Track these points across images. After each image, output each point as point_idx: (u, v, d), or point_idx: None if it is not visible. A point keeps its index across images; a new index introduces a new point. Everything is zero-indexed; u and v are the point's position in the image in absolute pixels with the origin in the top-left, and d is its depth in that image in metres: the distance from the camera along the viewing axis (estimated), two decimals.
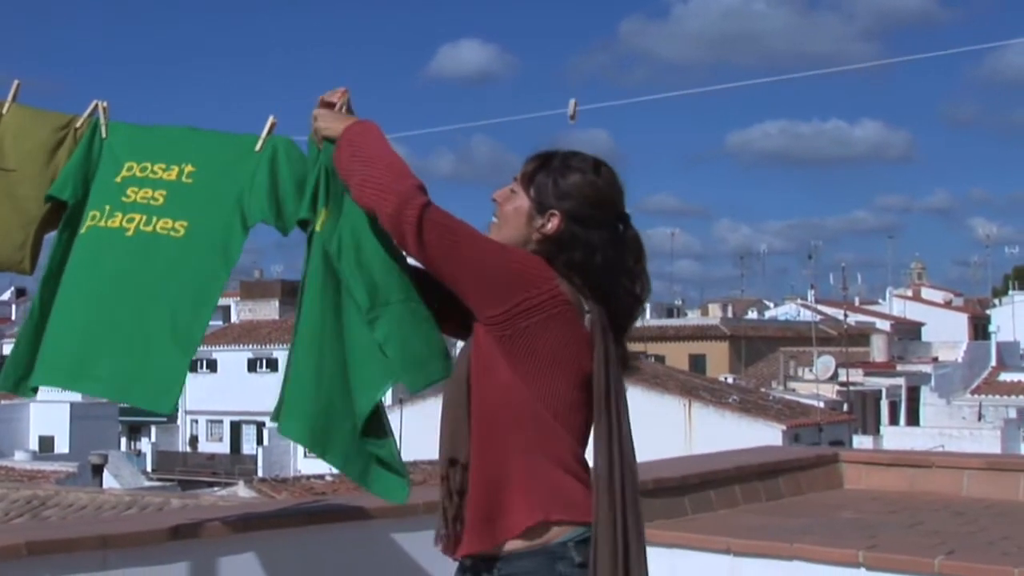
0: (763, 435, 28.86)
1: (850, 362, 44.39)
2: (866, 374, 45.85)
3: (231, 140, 3.30)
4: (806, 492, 6.11)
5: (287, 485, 23.67)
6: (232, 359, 55.61)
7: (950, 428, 35.36)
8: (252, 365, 54.69)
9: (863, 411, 44.28)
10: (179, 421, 58.32)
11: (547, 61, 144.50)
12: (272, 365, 53.41)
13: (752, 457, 6.39)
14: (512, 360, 2.60)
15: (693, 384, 36.77)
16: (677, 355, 51.57)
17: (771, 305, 74.96)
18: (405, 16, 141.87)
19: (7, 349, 65.24)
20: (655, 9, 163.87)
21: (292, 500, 7.11)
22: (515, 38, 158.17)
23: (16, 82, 3.50)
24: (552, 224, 2.68)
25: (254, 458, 50.10)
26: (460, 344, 2.82)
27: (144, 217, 3.21)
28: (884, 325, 60.11)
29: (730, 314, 62.93)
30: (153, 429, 58.24)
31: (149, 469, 49.90)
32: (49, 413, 49.61)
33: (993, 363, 48.11)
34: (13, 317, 70.40)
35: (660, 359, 46.05)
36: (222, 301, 62.62)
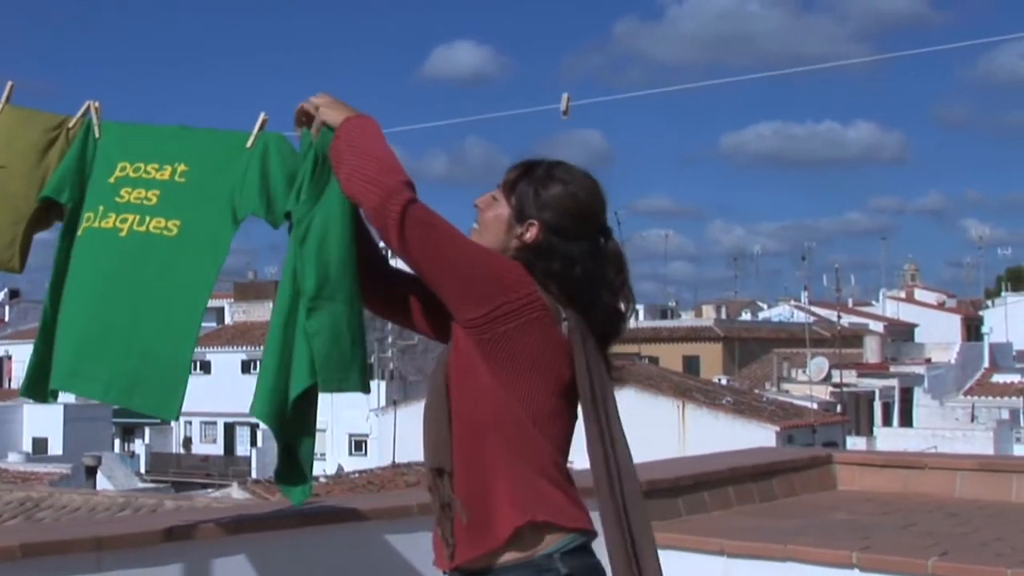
0: (757, 436, 28.92)
1: (843, 363, 44.46)
2: (859, 375, 45.92)
3: (223, 137, 3.30)
4: (800, 493, 6.11)
5: None
6: (226, 360, 55.54)
7: (943, 429, 35.43)
8: (246, 367, 54.57)
9: (856, 412, 44.35)
10: (172, 422, 58.24)
11: (541, 62, 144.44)
12: None
13: (746, 458, 6.40)
14: (491, 364, 2.59)
15: (687, 385, 36.82)
16: (671, 356, 51.62)
17: (765, 306, 75.05)
18: (399, 17, 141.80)
19: (0, 351, 64.98)
20: (649, 11, 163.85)
21: (285, 502, 7.08)
22: (509, 39, 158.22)
23: (9, 83, 3.50)
24: (530, 234, 2.68)
25: (248, 460, 50.08)
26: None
27: (137, 217, 3.21)
28: (877, 326, 60.22)
29: (724, 315, 62.96)
30: (147, 431, 58.15)
31: (143, 471, 49.86)
32: (42, 415, 49.51)
33: (986, 364, 48.25)
34: (6, 319, 70.32)
35: (654, 360, 46.07)
36: (216, 302, 62.62)
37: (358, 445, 46.79)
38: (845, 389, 43.70)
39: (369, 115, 2.84)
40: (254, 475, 38.80)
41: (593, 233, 2.72)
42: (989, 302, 65.40)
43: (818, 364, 45.21)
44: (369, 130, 2.77)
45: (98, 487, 26.84)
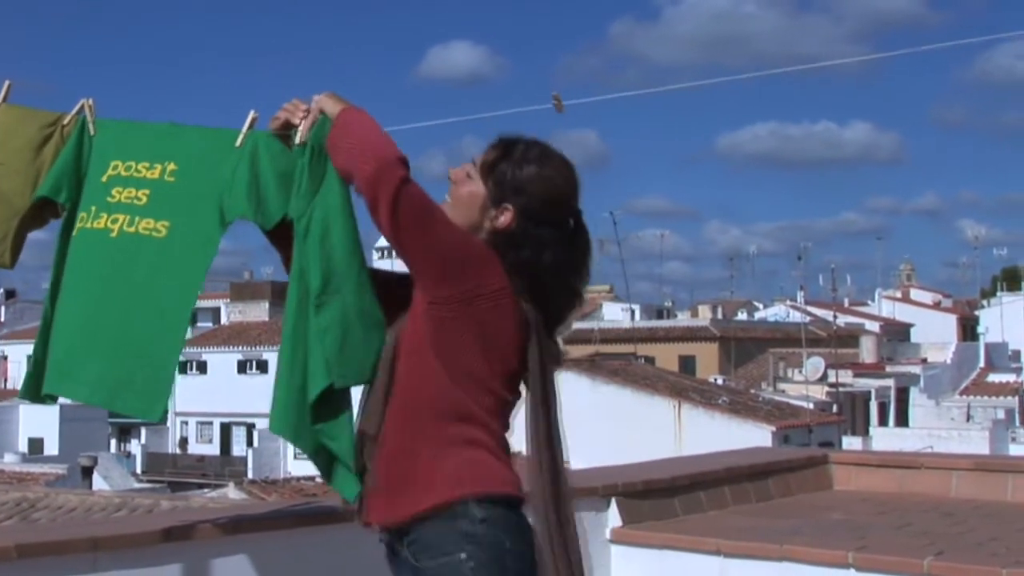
0: (753, 436, 28.90)
1: (839, 363, 44.47)
2: (855, 375, 45.94)
3: (213, 136, 3.29)
4: (796, 493, 6.11)
5: (277, 487, 23.68)
6: (222, 360, 55.53)
7: (939, 429, 35.46)
8: (242, 367, 54.63)
9: (852, 412, 44.36)
10: (169, 423, 58.11)
11: (538, 63, 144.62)
12: (262, 367, 53.33)
13: (742, 458, 6.40)
14: (443, 343, 2.65)
15: (683, 385, 36.80)
16: (667, 356, 51.61)
17: (761, 306, 75.05)
18: (395, 17, 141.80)
19: None
20: (646, 11, 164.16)
21: (282, 502, 7.10)
22: (506, 40, 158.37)
23: (7, 83, 3.50)
24: (504, 218, 2.72)
25: (244, 460, 50.01)
26: None
27: (128, 217, 3.20)
28: (873, 326, 60.22)
29: (720, 315, 62.97)
30: (143, 431, 58.10)
31: (139, 471, 49.85)
32: (39, 415, 49.47)
33: (981, 364, 48.31)
34: (2, 319, 70.22)
35: (650, 360, 46.05)
36: (212, 303, 62.70)
37: None
38: (841, 389, 43.71)
39: (360, 109, 2.86)
40: (250, 475, 38.77)
41: (565, 218, 2.77)
42: (985, 302, 65.38)
43: (814, 364, 45.22)
44: (365, 117, 2.79)
45: (94, 487, 26.81)
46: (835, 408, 42.08)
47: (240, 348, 55.03)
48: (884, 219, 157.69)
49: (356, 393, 2.92)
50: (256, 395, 51.01)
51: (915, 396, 43.73)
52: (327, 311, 2.84)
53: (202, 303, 61.98)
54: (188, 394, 56.00)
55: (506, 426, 2.74)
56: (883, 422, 42.91)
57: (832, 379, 43.75)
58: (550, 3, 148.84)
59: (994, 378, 46.84)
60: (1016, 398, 43.04)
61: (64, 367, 3.20)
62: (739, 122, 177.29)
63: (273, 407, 2.95)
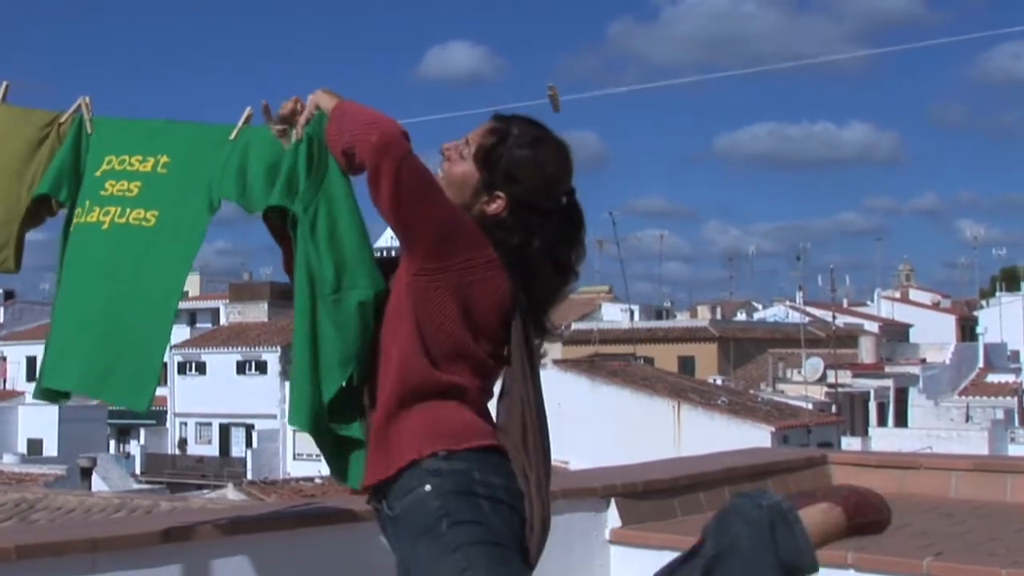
0: (752, 437, 28.92)
1: (838, 363, 44.49)
2: (854, 375, 45.94)
3: (207, 130, 3.31)
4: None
5: (276, 487, 23.66)
6: (221, 361, 55.51)
7: (938, 429, 35.46)
8: (241, 367, 54.60)
9: (851, 412, 44.37)
10: (168, 423, 58.19)
11: (537, 63, 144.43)
12: (261, 367, 53.34)
13: (741, 459, 6.40)
14: (424, 309, 2.67)
15: (682, 386, 36.82)
16: (666, 357, 51.60)
17: (760, 307, 75.01)
18: (394, 17, 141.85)
19: None
20: (644, 12, 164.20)
21: (281, 503, 7.12)
22: (504, 40, 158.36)
23: (5, 83, 3.50)
24: (495, 206, 2.74)
25: (243, 460, 50.01)
26: None
27: (119, 209, 3.22)
28: (872, 327, 60.23)
29: (719, 316, 62.98)
30: (142, 432, 58.12)
31: (138, 472, 49.85)
32: (38, 416, 49.52)
33: (980, 364, 48.34)
34: (1, 320, 70.21)
35: (649, 361, 46.05)
36: (211, 303, 62.70)
37: None
38: (840, 389, 43.73)
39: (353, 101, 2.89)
40: (249, 476, 38.76)
41: (557, 202, 2.79)
42: (984, 302, 65.41)
43: (813, 364, 45.22)
44: (362, 105, 2.83)
45: (93, 488, 26.80)
46: (834, 408, 42.10)
47: (239, 349, 55.00)
48: (883, 219, 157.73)
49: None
50: (255, 396, 51.13)
51: (914, 396, 43.73)
52: (346, 305, 2.85)
53: (201, 304, 62.12)
54: (187, 395, 56.03)
55: (485, 390, 2.78)
56: (882, 422, 42.94)
57: (831, 379, 43.76)
58: (549, 3, 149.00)
59: (993, 378, 46.87)
60: (1015, 398, 43.06)
61: (57, 360, 3.22)
62: (738, 122, 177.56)
63: (291, 402, 2.97)
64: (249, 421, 52.41)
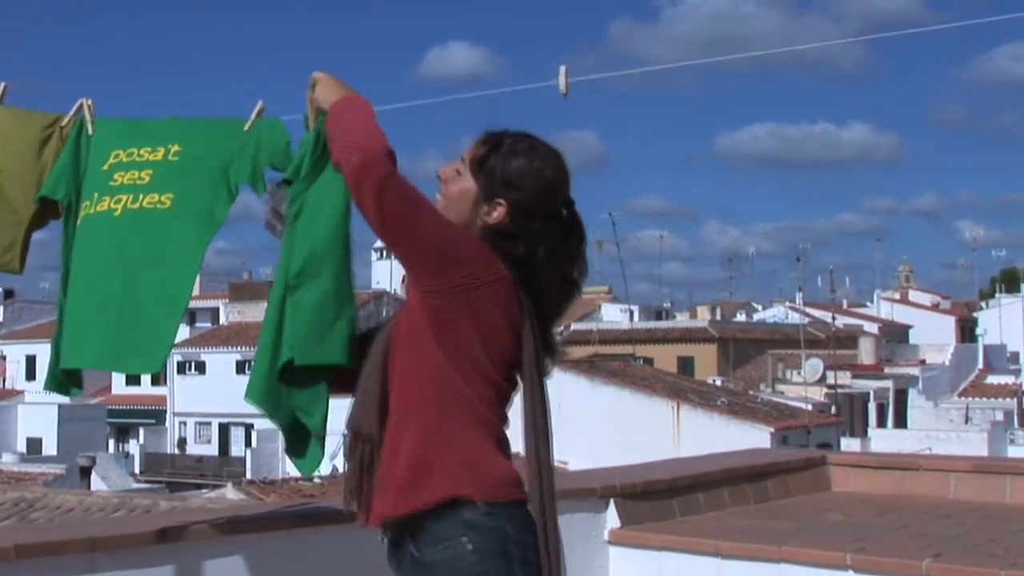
0: (751, 437, 28.92)
1: (838, 364, 44.48)
2: (854, 376, 45.94)
3: (219, 123, 3.36)
4: (794, 495, 6.11)
5: (275, 487, 23.66)
6: (221, 361, 55.50)
7: (937, 430, 35.47)
8: (241, 367, 54.51)
9: (851, 413, 44.36)
10: (167, 423, 58.20)
11: (536, 63, 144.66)
12: None
13: (740, 460, 6.40)
14: (440, 332, 2.63)
15: (681, 386, 36.81)
16: (665, 357, 51.59)
17: (759, 308, 75.01)
18: (394, 18, 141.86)
19: None
20: (645, 12, 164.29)
21: (280, 502, 7.12)
22: (504, 40, 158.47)
23: (3, 84, 3.50)
24: (497, 214, 2.70)
25: (242, 460, 49.99)
26: None
27: (131, 196, 3.24)
28: (872, 328, 60.23)
29: (718, 316, 62.96)
30: (141, 431, 58.13)
31: (137, 471, 49.84)
32: (37, 415, 49.50)
33: (980, 366, 48.37)
34: (0, 319, 70.19)
35: (648, 361, 46.04)
36: (211, 303, 62.64)
37: None
38: (839, 390, 43.72)
39: (363, 97, 2.86)
40: (248, 475, 38.73)
41: (558, 209, 2.76)
42: (983, 303, 65.46)
43: (813, 365, 45.22)
44: (357, 106, 2.80)
45: (92, 488, 26.76)
46: (833, 409, 42.09)
47: (239, 348, 54.97)
48: (883, 220, 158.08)
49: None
50: None
51: (914, 397, 43.73)
52: (302, 292, 2.93)
53: (201, 303, 62.03)
54: (186, 394, 56.03)
55: (504, 417, 2.74)
56: (882, 423, 42.93)
57: (831, 380, 43.75)
58: (549, 3, 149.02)
59: (992, 380, 46.88)
60: (1014, 400, 43.05)
61: (75, 341, 3.25)
62: (738, 123, 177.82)
63: (250, 377, 3.03)
64: (248, 421, 52.32)
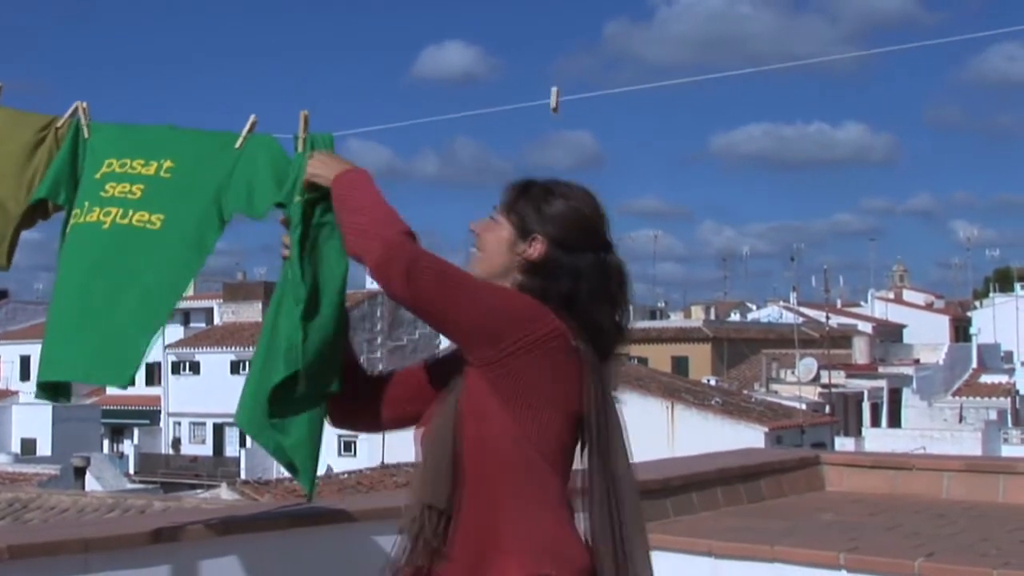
0: (745, 437, 28.94)
1: (832, 364, 44.53)
2: (848, 376, 46.00)
3: (212, 137, 3.33)
4: (787, 494, 6.13)
5: (270, 487, 23.66)
6: (215, 361, 55.45)
7: (931, 430, 35.52)
8: (235, 367, 54.48)
9: (845, 413, 44.42)
10: (162, 423, 58.14)
11: (532, 63, 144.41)
12: None
13: (734, 459, 6.41)
14: (505, 402, 2.53)
15: (675, 386, 36.81)
16: (659, 357, 51.61)
17: (754, 307, 75.12)
18: (389, 17, 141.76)
19: None
20: (640, 12, 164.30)
21: (275, 503, 7.11)
22: (499, 40, 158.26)
23: None
24: (535, 249, 2.63)
25: (237, 460, 49.98)
26: None
27: (120, 211, 3.23)
28: (866, 327, 60.31)
29: (713, 316, 63.01)
30: (135, 431, 58.06)
31: (131, 471, 49.76)
32: (31, 415, 49.45)
33: (974, 365, 48.44)
34: None
35: (642, 361, 46.07)
36: (205, 303, 62.56)
37: (347, 446, 46.75)
38: (834, 390, 43.77)
39: (360, 168, 2.79)
40: (243, 476, 38.72)
41: (596, 246, 2.67)
42: (977, 303, 65.63)
43: (807, 365, 45.29)
44: (360, 185, 2.73)
45: (87, 488, 26.76)
46: (828, 409, 42.13)
47: (233, 348, 54.93)
48: (877, 220, 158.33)
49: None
50: None
51: (908, 397, 43.79)
52: (312, 319, 2.88)
53: (195, 303, 61.97)
54: (181, 394, 55.96)
55: (567, 478, 2.63)
56: (876, 423, 43.00)
57: (825, 380, 43.80)
58: (544, 3, 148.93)
59: (986, 379, 46.96)
60: (1008, 399, 43.12)
61: (53, 354, 3.22)
62: (733, 123, 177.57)
63: (240, 403, 3.00)
64: None
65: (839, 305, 69.23)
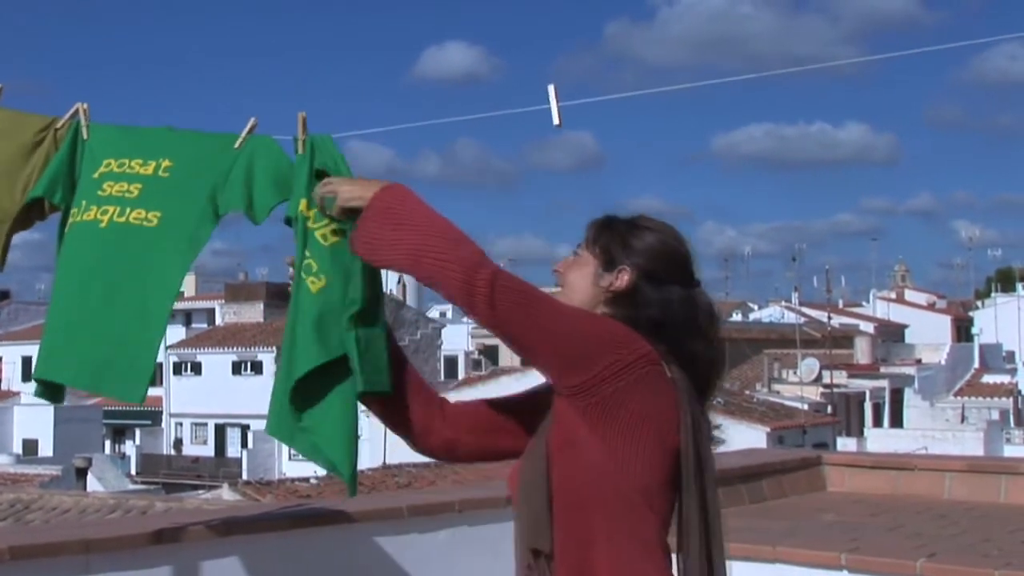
0: (747, 437, 28.87)
1: (834, 364, 44.50)
2: (850, 376, 45.96)
3: (211, 138, 3.33)
4: (789, 495, 6.12)
5: (272, 488, 23.66)
6: (217, 362, 55.46)
7: (933, 430, 35.50)
8: (237, 368, 54.54)
9: (847, 413, 44.37)
10: (163, 424, 58.15)
11: (533, 63, 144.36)
12: (257, 368, 53.27)
13: (735, 460, 6.41)
14: (598, 432, 2.42)
15: None
16: None
17: (755, 307, 75.05)
18: (390, 18, 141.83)
19: None
20: (641, 12, 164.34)
21: (276, 503, 7.13)
22: (501, 40, 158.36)
23: None
24: (622, 280, 2.56)
25: (239, 461, 50.01)
26: None
27: (118, 209, 3.23)
28: (868, 327, 60.29)
29: None
30: (137, 432, 58.06)
31: (133, 472, 49.80)
32: (33, 416, 49.45)
33: (976, 365, 48.43)
34: None
35: None
36: (207, 304, 62.64)
37: None
38: (835, 390, 43.74)
39: (398, 183, 2.59)
40: (245, 476, 38.73)
41: (684, 280, 2.60)
42: (979, 303, 65.58)
43: (809, 365, 45.23)
44: (411, 201, 2.53)
45: (88, 489, 26.74)
46: (830, 409, 42.10)
47: (235, 349, 54.94)
48: (879, 220, 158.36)
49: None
50: (251, 396, 51.04)
51: (909, 397, 43.77)
52: (365, 322, 2.85)
53: (197, 304, 62.07)
54: (183, 395, 55.93)
55: (672, 508, 2.53)
56: (878, 423, 42.96)
57: (827, 380, 43.76)
58: (545, 4, 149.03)
59: (988, 379, 46.94)
60: (1010, 399, 43.12)
61: (51, 353, 3.23)
62: (734, 123, 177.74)
63: (270, 410, 2.98)
64: (244, 421, 52.30)
65: (841, 305, 69.15)
